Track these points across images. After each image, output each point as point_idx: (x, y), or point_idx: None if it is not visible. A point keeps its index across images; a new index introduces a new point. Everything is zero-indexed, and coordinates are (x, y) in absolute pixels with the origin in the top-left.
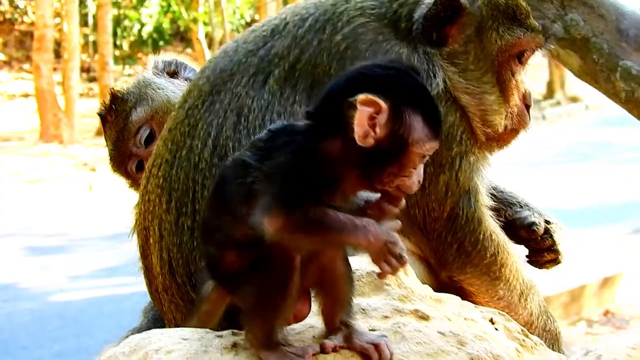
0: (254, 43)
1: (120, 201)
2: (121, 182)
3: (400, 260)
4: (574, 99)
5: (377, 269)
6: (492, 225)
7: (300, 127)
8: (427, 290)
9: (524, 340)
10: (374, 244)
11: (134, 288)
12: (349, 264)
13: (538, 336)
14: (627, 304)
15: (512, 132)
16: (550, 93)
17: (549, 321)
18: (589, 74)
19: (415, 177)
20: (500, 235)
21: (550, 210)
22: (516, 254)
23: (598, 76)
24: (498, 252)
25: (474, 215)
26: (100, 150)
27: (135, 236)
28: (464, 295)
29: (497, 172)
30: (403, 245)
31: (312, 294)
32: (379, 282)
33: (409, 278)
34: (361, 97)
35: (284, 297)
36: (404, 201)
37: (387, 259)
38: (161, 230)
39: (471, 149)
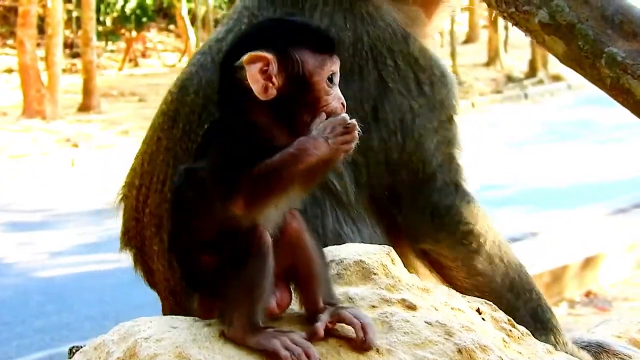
0: None
1: (102, 177)
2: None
3: (350, 131)
4: (556, 78)
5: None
6: (470, 195)
7: (219, 117)
8: (414, 279)
9: (510, 330)
10: (320, 151)
11: (116, 264)
12: (316, 238)
13: (526, 325)
14: (610, 284)
15: None
16: (532, 72)
17: (540, 310)
18: (574, 60)
19: (335, 101)
20: (480, 207)
21: (534, 190)
22: (500, 231)
23: (583, 62)
24: (476, 223)
25: (452, 180)
26: (83, 126)
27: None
28: (442, 273)
29: (480, 150)
30: (343, 115)
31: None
32: (367, 271)
33: (396, 267)
34: (244, 58)
35: (261, 275)
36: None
37: (339, 146)
38: None
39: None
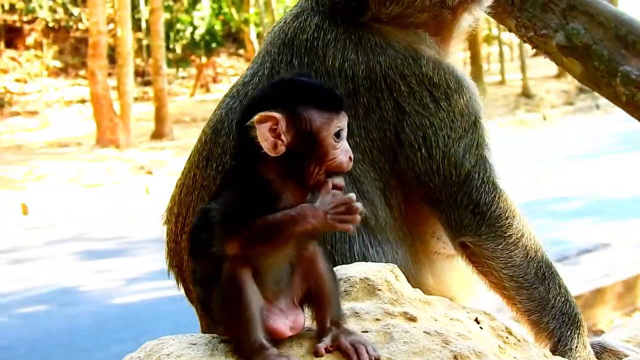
0: None
1: None
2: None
3: (351, 213)
4: None
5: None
6: (507, 193)
7: (235, 165)
8: (417, 293)
9: (507, 337)
10: (317, 221)
11: None
12: (330, 262)
13: (554, 318)
14: None
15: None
16: None
17: (568, 305)
18: (591, 80)
19: (343, 155)
20: (517, 206)
21: (606, 201)
22: (534, 230)
23: (599, 81)
24: (514, 217)
25: (489, 179)
26: (156, 154)
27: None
28: (480, 264)
29: (554, 163)
30: (350, 196)
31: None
32: (372, 287)
33: (399, 282)
34: (255, 118)
35: (243, 302)
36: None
37: (336, 223)
38: None
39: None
